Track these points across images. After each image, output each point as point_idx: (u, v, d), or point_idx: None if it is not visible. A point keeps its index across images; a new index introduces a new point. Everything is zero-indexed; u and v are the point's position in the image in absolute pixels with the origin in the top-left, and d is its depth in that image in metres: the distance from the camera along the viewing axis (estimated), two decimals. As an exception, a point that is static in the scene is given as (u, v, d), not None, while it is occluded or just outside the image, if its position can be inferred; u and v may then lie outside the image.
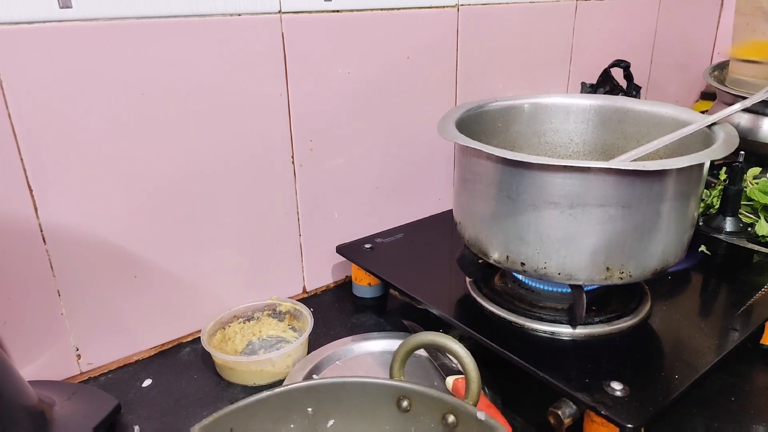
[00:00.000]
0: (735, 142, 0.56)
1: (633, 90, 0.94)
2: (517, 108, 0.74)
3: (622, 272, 0.55)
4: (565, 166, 0.51)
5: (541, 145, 0.75)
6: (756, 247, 0.75)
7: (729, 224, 0.79)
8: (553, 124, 0.75)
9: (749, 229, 0.79)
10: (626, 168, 0.49)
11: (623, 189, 0.51)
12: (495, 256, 0.58)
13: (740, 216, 0.81)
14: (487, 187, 0.57)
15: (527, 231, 0.55)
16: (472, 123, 0.67)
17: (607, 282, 0.55)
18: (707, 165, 0.57)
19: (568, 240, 0.54)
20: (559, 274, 0.55)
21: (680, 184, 0.54)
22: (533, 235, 0.55)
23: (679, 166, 0.51)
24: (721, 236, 0.77)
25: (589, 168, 0.51)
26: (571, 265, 0.55)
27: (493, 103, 0.72)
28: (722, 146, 0.54)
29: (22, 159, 0.55)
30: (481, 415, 0.43)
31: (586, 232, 0.53)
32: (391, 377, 0.50)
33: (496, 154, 0.53)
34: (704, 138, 0.61)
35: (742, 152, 0.77)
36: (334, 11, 0.71)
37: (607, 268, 0.54)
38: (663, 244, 0.55)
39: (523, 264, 0.56)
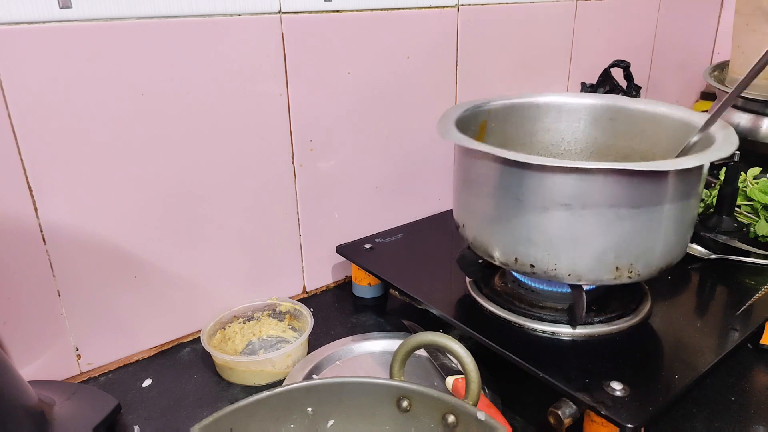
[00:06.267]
0: (735, 142, 0.56)
1: (633, 90, 0.94)
2: (509, 108, 0.73)
3: (631, 271, 0.55)
4: (574, 168, 0.51)
5: (533, 145, 0.75)
6: (749, 248, 0.75)
7: (724, 224, 0.79)
8: (545, 123, 0.75)
9: (744, 229, 0.79)
10: (635, 168, 0.49)
11: (630, 189, 0.51)
12: (502, 258, 0.58)
13: (736, 216, 0.81)
14: (493, 189, 0.56)
15: (536, 233, 0.55)
16: (469, 123, 0.67)
17: (616, 281, 0.55)
18: (707, 165, 0.57)
19: (577, 241, 0.54)
20: (569, 275, 0.55)
21: (684, 184, 0.54)
22: (542, 236, 0.54)
23: (688, 166, 0.51)
24: (716, 236, 0.77)
25: (597, 169, 0.51)
26: (581, 266, 0.55)
27: (488, 103, 0.72)
28: (723, 147, 0.54)
29: (22, 159, 0.55)
30: (481, 415, 0.43)
31: (594, 232, 0.53)
32: (391, 377, 0.50)
33: (505, 156, 0.53)
34: (704, 139, 0.61)
35: (737, 152, 0.77)
36: (334, 11, 0.71)
37: (617, 268, 0.55)
38: (667, 243, 0.55)
39: (532, 266, 0.56)
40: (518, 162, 0.52)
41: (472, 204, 0.61)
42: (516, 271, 0.58)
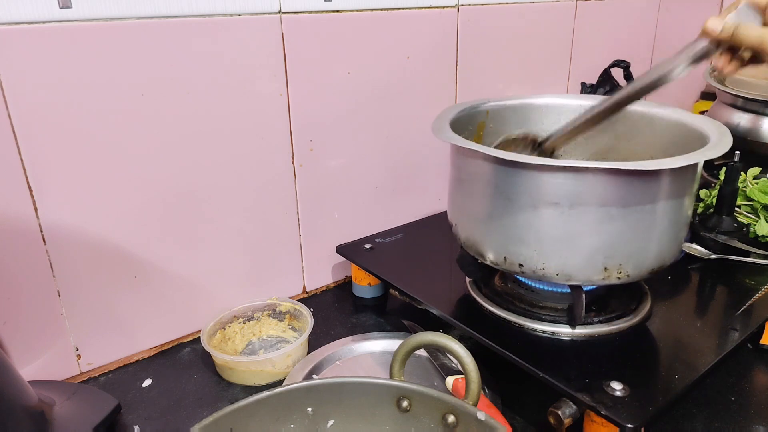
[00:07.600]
0: (729, 142, 0.55)
1: (633, 90, 0.93)
2: (508, 108, 0.73)
3: (620, 272, 0.55)
4: (564, 167, 0.51)
5: (532, 146, 0.75)
6: (749, 248, 0.75)
7: (724, 224, 0.79)
8: (544, 124, 0.74)
9: (744, 229, 0.79)
10: (624, 168, 0.49)
11: (620, 189, 0.51)
12: (492, 257, 0.58)
13: (736, 216, 0.81)
14: (485, 188, 0.57)
15: (525, 232, 0.55)
16: (465, 124, 0.67)
17: (605, 282, 0.55)
18: (701, 164, 0.56)
19: (566, 240, 0.54)
20: (557, 274, 0.55)
21: (676, 184, 0.54)
22: (531, 235, 0.55)
23: (676, 166, 0.50)
24: (716, 236, 0.77)
25: (587, 168, 0.51)
26: (569, 266, 0.55)
27: (485, 103, 0.72)
28: (717, 146, 0.54)
29: (22, 159, 0.55)
30: (481, 415, 0.43)
31: (583, 232, 0.53)
32: (391, 377, 0.50)
33: (495, 155, 0.53)
34: (698, 137, 0.60)
35: (738, 152, 0.77)
36: (334, 11, 0.71)
37: (605, 268, 0.55)
38: (659, 243, 0.55)
39: (521, 265, 0.56)
40: (508, 161, 0.52)
41: (464, 203, 0.61)
42: (507, 270, 0.58)
